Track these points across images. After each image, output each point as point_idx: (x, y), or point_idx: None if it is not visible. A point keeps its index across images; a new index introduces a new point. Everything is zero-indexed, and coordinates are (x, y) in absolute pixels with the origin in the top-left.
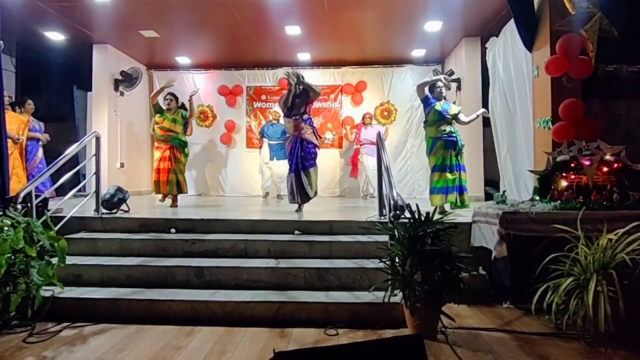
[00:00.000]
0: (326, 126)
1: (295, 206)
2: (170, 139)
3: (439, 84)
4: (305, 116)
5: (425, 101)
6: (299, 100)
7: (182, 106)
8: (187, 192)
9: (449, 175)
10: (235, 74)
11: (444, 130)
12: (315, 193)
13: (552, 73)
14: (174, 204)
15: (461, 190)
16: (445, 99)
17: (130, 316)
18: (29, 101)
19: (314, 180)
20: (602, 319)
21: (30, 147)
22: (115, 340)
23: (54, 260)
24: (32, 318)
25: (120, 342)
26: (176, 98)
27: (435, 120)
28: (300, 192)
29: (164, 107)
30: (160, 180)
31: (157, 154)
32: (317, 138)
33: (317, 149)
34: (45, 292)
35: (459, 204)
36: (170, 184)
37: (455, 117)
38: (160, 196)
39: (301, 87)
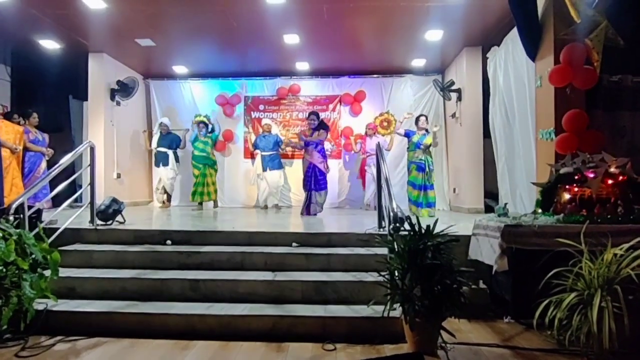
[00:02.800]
0: None
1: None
2: (203, 159)
3: (422, 119)
4: (319, 147)
5: (407, 133)
6: (316, 132)
7: (212, 130)
8: (212, 199)
9: (415, 192)
10: (233, 84)
11: (418, 157)
12: (321, 208)
13: (555, 83)
14: (215, 205)
15: (429, 205)
16: (427, 131)
17: (124, 330)
18: (34, 114)
19: (323, 199)
20: (606, 336)
21: (34, 159)
22: (108, 354)
23: (47, 273)
24: (25, 331)
25: (114, 356)
26: (206, 125)
27: (412, 148)
28: (308, 207)
29: (199, 134)
30: (198, 191)
31: (197, 171)
32: (325, 167)
33: (325, 175)
34: (39, 305)
35: (422, 214)
36: (209, 194)
37: (429, 145)
38: (196, 204)
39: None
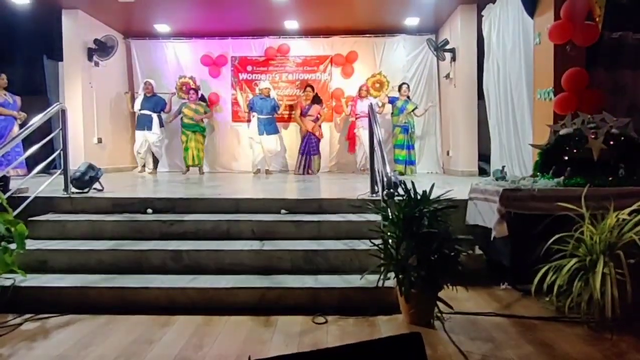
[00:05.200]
0: None
1: (301, 176)
2: (193, 126)
3: (404, 88)
4: (319, 122)
5: (391, 100)
6: (312, 108)
7: (202, 97)
8: (201, 164)
9: (402, 152)
10: (219, 43)
11: (402, 120)
12: (318, 170)
13: (555, 40)
14: (201, 172)
15: (411, 163)
16: (409, 98)
17: (100, 306)
18: (2, 75)
19: (318, 163)
20: (608, 303)
21: (5, 123)
22: (81, 333)
23: (14, 246)
24: None
25: (87, 335)
26: (196, 91)
27: (397, 113)
28: (308, 168)
29: (187, 100)
30: (188, 156)
31: (184, 137)
32: (320, 134)
33: (319, 141)
34: (6, 280)
35: (407, 172)
36: (196, 158)
37: (411, 112)
38: (184, 169)
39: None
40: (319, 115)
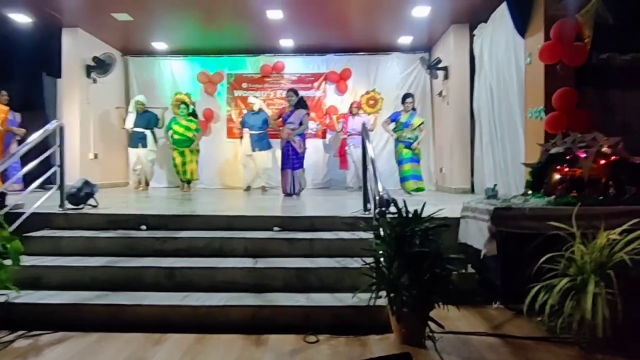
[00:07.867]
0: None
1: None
2: (184, 142)
3: (408, 100)
4: (294, 125)
5: (393, 117)
6: (294, 114)
7: (193, 112)
8: (198, 179)
9: (407, 166)
10: (215, 61)
11: (406, 136)
12: (300, 187)
13: (546, 60)
14: (188, 188)
15: (417, 178)
16: (414, 110)
17: (93, 323)
18: (4, 92)
19: (300, 178)
20: (599, 323)
21: (5, 139)
22: (73, 351)
23: (8, 263)
24: None
25: (79, 353)
26: (187, 105)
27: (401, 128)
28: (293, 186)
29: (178, 115)
30: (180, 171)
31: (175, 154)
32: (300, 146)
33: (302, 154)
34: (0, 297)
35: (418, 187)
36: (186, 173)
37: (417, 126)
38: (182, 185)
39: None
40: (300, 123)
